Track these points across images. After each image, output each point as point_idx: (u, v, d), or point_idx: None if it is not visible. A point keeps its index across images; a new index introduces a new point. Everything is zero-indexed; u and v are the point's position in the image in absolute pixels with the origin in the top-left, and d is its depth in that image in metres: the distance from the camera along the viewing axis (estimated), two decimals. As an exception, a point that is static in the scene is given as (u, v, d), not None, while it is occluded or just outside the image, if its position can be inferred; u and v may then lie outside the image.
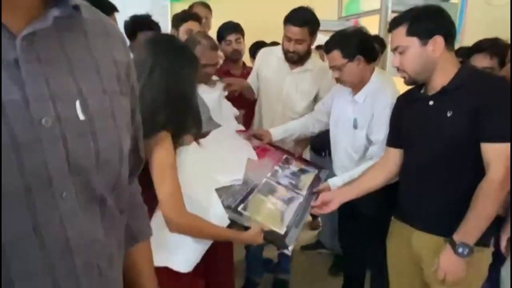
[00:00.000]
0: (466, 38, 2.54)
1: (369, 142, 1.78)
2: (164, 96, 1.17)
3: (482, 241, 1.29)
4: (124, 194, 0.69)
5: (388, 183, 1.62)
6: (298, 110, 2.20)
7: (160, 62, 1.19)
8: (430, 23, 1.32)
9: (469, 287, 1.34)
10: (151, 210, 1.16)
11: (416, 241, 1.43)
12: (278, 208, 1.49)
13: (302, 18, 2.03)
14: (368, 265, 2.09)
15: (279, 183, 1.67)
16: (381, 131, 1.68)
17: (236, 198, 1.43)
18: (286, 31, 2.07)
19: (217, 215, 1.30)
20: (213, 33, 2.81)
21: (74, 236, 0.55)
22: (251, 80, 2.30)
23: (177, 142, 1.21)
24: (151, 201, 1.10)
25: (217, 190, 1.38)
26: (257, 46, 2.77)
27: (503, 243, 1.47)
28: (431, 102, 1.37)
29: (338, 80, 1.81)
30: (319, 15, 4.16)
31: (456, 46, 1.79)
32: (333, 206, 1.60)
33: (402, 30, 1.35)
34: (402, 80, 1.47)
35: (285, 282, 2.48)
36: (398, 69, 1.43)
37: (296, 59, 2.12)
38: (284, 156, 1.94)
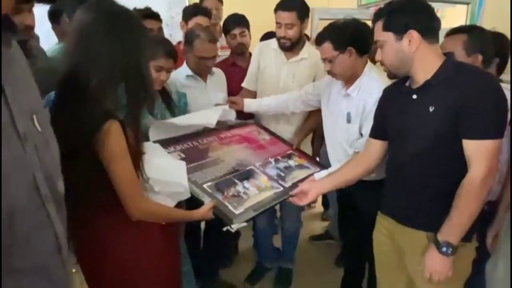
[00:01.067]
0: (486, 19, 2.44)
1: (361, 135, 1.77)
2: (113, 75, 1.11)
3: (464, 236, 1.27)
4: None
5: (368, 175, 1.61)
6: None
7: (105, 37, 1.09)
8: (404, 18, 1.29)
9: (453, 283, 1.32)
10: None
11: (399, 236, 1.43)
12: (247, 193, 1.59)
13: (290, 3, 2.09)
14: (366, 258, 2.09)
15: (264, 173, 1.75)
16: (370, 124, 1.65)
17: (207, 176, 1.57)
18: (277, 17, 2.12)
19: (180, 186, 1.43)
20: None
21: (59, 230, 0.64)
22: (252, 72, 2.33)
23: (136, 134, 1.18)
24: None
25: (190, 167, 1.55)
26: (267, 37, 2.78)
27: (489, 240, 1.45)
28: (414, 96, 1.35)
29: (329, 73, 1.79)
30: (339, 4, 4.15)
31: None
32: (310, 197, 1.60)
33: (379, 25, 1.34)
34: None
35: (289, 271, 2.52)
36: (381, 63, 1.42)
37: (288, 45, 2.15)
38: (289, 152, 2.03)
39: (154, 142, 1.65)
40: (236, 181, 1.63)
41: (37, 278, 0.59)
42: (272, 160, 1.88)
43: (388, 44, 1.33)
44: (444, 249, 1.24)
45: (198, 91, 2.13)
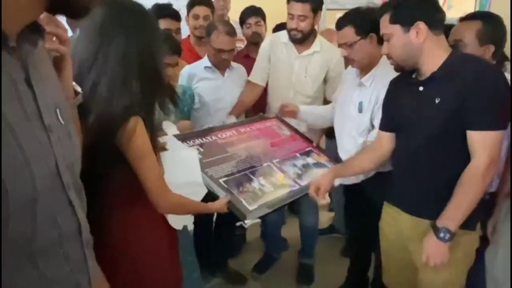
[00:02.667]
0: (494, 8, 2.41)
1: (373, 126, 1.78)
2: (136, 77, 1.10)
3: (468, 225, 1.30)
4: None
5: (380, 167, 1.63)
6: (308, 93, 2.22)
7: (131, 39, 1.09)
8: (411, 10, 1.31)
9: (456, 270, 1.36)
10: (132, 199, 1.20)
11: (404, 224, 1.45)
12: (262, 189, 1.60)
13: None
14: (372, 248, 2.11)
15: (281, 170, 1.75)
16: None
17: (224, 171, 1.60)
18: (289, 8, 2.09)
19: (195, 185, 1.46)
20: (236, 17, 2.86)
21: (81, 217, 0.68)
22: (260, 66, 2.28)
23: (151, 129, 1.18)
24: (132, 190, 1.16)
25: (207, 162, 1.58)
26: (279, 28, 2.78)
27: (489, 229, 1.46)
28: (421, 88, 1.36)
29: (346, 59, 1.80)
30: (347, -9, 4.08)
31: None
32: (323, 189, 1.62)
33: (386, 17, 1.36)
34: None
35: (310, 267, 2.52)
36: (387, 56, 1.43)
37: (299, 38, 2.13)
38: (308, 148, 2.00)
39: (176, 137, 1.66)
40: (252, 177, 1.64)
41: (55, 259, 0.64)
42: (290, 157, 1.87)
43: (396, 36, 1.35)
44: (441, 234, 1.28)
45: (214, 84, 2.15)
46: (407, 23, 1.31)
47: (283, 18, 2.28)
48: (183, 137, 1.72)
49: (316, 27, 2.25)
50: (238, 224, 1.47)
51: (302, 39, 2.15)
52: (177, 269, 1.41)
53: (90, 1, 0.62)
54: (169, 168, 1.32)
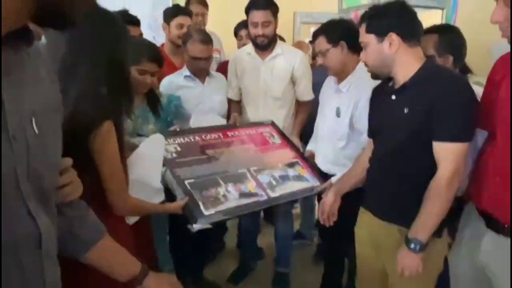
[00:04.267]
0: (460, 23, 2.53)
1: (353, 130, 1.84)
2: (100, 79, 1.13)
3: (434, 232, 1.31)
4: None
5: None
6: (277, 95, 2.30)
7: (90, 42, 1.12)
8: (385, 21, 1.36)
9: (425, 277, 1.36)
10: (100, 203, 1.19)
11: (375, 228, 1.49)
12: (226, 196, 1.60)
13: (264, 2, 2.19)
14: (345, 254, 2.15)
15: (255, 178, 1.75)
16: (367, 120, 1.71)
17: (194, 173, 1.61)
18: (252, 17, 2.19)
19: (152, 188, 1.46)
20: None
21: (43, 228, 0.65)
22: (232, 82, 2.39)
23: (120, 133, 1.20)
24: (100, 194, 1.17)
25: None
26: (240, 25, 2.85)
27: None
28: (393, 97, 1.41)
29: (323, 66, 1.89)
30: (320, 7, 4.23)
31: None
32: (326, 212, 1.69)
33: (363, 27, 1.41)
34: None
35: (286, 275, 2.53)
36: (365, 64, 1.48)
37: (266, 43, 2.22)
38: (294, 160, 1.98)
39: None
40: (221, 182, 1.65)
41: (9, 270, 0.61)
42: (271, 166, 1.86)
43: (371, 45, 1.39)
44: (412, 245, 1.30)
45: (194, 92, 2.17)
46: (381, 33, 1.36)
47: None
48: (164, 135, 1.71)
49: (291, 37, 2.34)
50: (189, 226, 1.47)
51: (268, 44, 2.24)
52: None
53: (76, 14, 0.61)
54: (130, 162, 1.35)
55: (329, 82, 1.99)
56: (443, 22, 2.91)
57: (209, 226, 1.49)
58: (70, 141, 1.03)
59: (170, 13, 2.53)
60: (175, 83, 2.18)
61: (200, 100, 2.18)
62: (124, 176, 1.23)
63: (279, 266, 2.54)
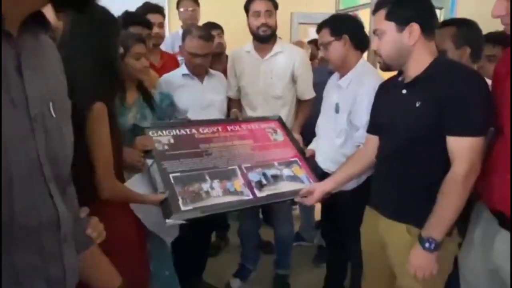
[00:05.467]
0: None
1: (351, 126, 1.81)
2: (93, 64, 1.22)
3: (422, 223, 1.28)
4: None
5: (368, 173, 1.64)
6: (277, 93, 2.26)
7: (85, 31, 1.22)
8: (408, 10, 1.31)
9: (434, 277, 1.31)
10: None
11: (382, 227, 1.45)
12: (209, 192, 1.59)
13: None
14: (348, 255, 2.11)
15: (244, 176, 1.72)
16: (364, 115, 1.69)
17: (180, 167, 1.61)
18: (254, 7, 2.17)
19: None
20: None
21: (61, 210, 0.68)
22: (231, 81, 2.35)
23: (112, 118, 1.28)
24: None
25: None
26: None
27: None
28: (404, 91, 1.37)
29: (324, 59, 1.86)
30: (317, 8, 4.23)
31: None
32: (316, 196, 1.62)
33: (382, 13, 1.35)
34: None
35: (285, 277, 2.49)
36: (375, 53, 1.44)
37: (269, 34, 2.19)
38: (293, 159, 1.92)
39: (151, 124, 1.71)
40: (207, 178, 1.62)
41: (28, 249, 0.63)
42: (265, 164, 1.81)
43: (388, 34, 1.34)
44: (427, 244, 1.25)
45: (192, 90, 2.12)
46: (402, 22, 1.31)
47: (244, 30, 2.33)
48: (159, 127, 1.71)
49: (288, 37, 2.34)
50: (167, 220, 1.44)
51: (270, 36, 2.21)
52: (145, 259, 1.52)
53: None
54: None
55: (333, 78, 1.98)
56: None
57: (183, 222, 1.46)
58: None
59: (140, 11, 2.42)
60: (173, 82, 2.13)
61: (199, 100, 2.13)
62: (113, 161, 1.27)
63: (279, 268, 2.50)
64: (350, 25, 1.79)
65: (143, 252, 1.54)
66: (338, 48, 1.79)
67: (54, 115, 0.67)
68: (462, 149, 1.23)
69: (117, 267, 1.25)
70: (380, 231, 1.46)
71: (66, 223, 0.70)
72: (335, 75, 1.94)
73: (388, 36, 1.35)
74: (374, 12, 1.40)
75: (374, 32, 1.40)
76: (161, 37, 2.51)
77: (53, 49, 0.75)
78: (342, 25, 1.79)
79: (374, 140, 1.55)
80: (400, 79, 1.43)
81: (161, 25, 2.50)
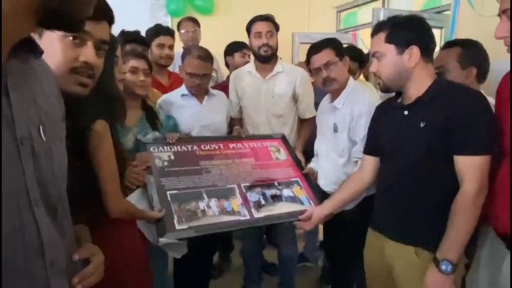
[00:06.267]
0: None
1: (352, 143, 1.81)
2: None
3: (432, 245, 1.27)
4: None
5: (365, 192, 1.64)
6: (278, 112, 2.28)
7: None
8: (408, 33, 1.33)
9: None
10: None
11: (388, 251, 1.42)
12: (205, 211, 1.57)
13: (265, 16, 2.29)
14: (354, 278, 2.07)
15: (243, 195, 1.69)
16: (362, 129, 1.70)
17: (179, 184, 1.60)
18: (255, 28, 2.23)
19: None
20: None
21: (46, 236, 0.65)
22: (233, 101, 2.38)
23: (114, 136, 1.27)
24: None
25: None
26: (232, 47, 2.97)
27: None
28: (405, 112, 1.37)
29: (325, 80, 1.84)
30: (319, 28, 4.28)
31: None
32: (314, 221, 1.61)
33: (382, 36, 1.37)
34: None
35: None
36: (374, 75, 1.45)
37: (270, 54, 2.23)
38: (294, 179, 1.89)
39: (153, 140, 1.71)
40: (204, 196, 1.60)
41: (18, 276, 0.61)
42: (265, 183, 1.79)
43: (388, 56, 1.36)
44: (443, 267, 1.23)
45: (191, 111, 2.12)
46: (402, 45, 1.33)
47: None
48: (161, 142, 1.71)
49: (289, 57, 2.38)
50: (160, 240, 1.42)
51: (271, 56, 2.25)
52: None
53: (83, 13, 0.61)
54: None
55: (324, 102, 2.01)
56: (442, 41, 2.95)
57: (176, 241, 1.45)
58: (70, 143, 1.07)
59: (152, 33, 2.53)
60: (172, 102, 2.13)
61: (198, 120, 2.11)
62: (118, 178, 1.26)
63: (281, 288, 2.45)
64: (347, 48, 1.91)
65: (149, 273, 1.51)
66: (342, 68, 1.85)
67: (44, 139, 0.65)
68: (471, 168, 1.22)
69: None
70: (386, 254, 1.44)
71: (53, 250, 0.67)
72: (326, 98, 1.97)
73: (388, 59, 1.36)
74: (373, 35, 1.42)
75: (374, 54, 1.41)
76: (171, 58, 2.56)
77: (47, 73, 0.75)
78: (342, 47, 1.88)
79: (372, 161, 1.55)
80: (399, 100, 1.44)
81: (171, 47, 2.56)
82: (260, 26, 2.22)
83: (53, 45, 0.90)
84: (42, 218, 0.64)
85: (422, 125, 1.30)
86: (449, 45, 1.72)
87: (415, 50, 1.32)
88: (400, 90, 1.41)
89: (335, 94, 1.88)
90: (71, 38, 0.93)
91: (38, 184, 0.63)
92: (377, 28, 1.40)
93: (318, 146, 2.03)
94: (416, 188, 1.34)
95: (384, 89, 1.45)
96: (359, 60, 2.65)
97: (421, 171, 1.32)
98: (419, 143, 1.31)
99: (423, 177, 1.32)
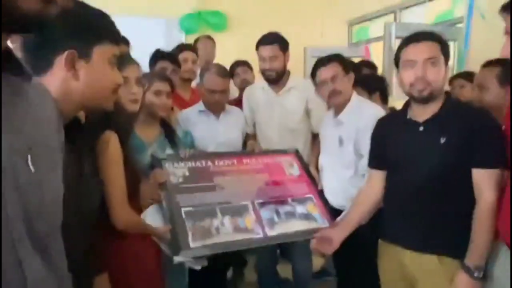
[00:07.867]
0: (471, 62, 2.56)
1: (358, 156, 1.81)
2: None
3: (454, 252, 1.34)
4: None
5: (378, 206, 1.62)
6: (291, 127, 2.29)
7: None
8: (448, 47, 1.42)
9: None
10: None
11: (410, 262, 1.44)
12: (219, 229, 1.56)
13: (270, 37, 2.25)
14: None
15: (256, 212, 1.68)
16: (368, 143, 1.68)
17: (194, 201, 1.59)
18: (260, 52, 2.24)
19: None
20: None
21: (33, 274, 0.60)
22: (247, 118, 2.39)
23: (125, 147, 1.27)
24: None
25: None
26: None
27: None
28: (421, 128, 1.41)
29: (332, 93, 1.85)
30: (331, 41, 4.31)
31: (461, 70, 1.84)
32: (335, 244, 1.58)
33: (436, 45, 1.39)
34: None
35: None
36: (412, 85, 1.38)
37: (274, 77, 2.25)
38: (308, 195, 1.86)
39: (167, 156, 1.72)
40: (218, 213, 1.60)
41: None
42: (279, 200, 1.77)
43: (442, 66, 1.39)
44: (476, 273, 1.28)
45: (207, 127, 2.15)
46: (447, 61, 1.40)
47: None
48: (176, 158, 1.72)
49: (302, 71, 2.38)
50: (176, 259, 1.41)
51: (277, 78, 2.27)
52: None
53: (39, 12, 0.53)
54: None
55: (327, 118, 2.03)
56: (456, 54, 2.94)
57: (190, 260, 1.44)
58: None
59: (176, 49, 2.63)
60: (190, 118, 2.17)
61: (214, 136, 2.14)
62: (125, 189, 1.25)
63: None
64: (351, 63, 1.93)
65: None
66: (348, 82, 1.89)
67: (32, 170, 0.60)
68: (489, 180, 1.30)
69: None
70: (407, 265, 1.45)
71: (38, 285, 0.61)
72: (330, 113, 1.99)
73: (442, 67, 1.39)
74: (422, 40, 1.38)
75: (428, 59, 1.36)
76: (193, 72, 2.62)
77: (44, 97, 0.70)
78: (348, 63, 1.93)
79: (380, 175, 1.58)
80: (408, 116, 1.47)
81: (194, 61, 2.63)
82: (263, 51, 2.23)
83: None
84: (27, 255, 0.59)
85: (442, 141, 1.35)
86: (487, 64, 1.81)
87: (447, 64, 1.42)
88: (428, 102, 1.40)
89: (340, 108, 1.90)
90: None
91: (24, 220, 0.58)
92: (427, 36, 1.40)
93: (323, 161, 2.02)
94: (436, 200, 1.38)
95: (426, 96, 1.38)
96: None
97: (441, 184, 1.37)
98: (439, 157, 1.36)
99: (443, 189, 1.37)
